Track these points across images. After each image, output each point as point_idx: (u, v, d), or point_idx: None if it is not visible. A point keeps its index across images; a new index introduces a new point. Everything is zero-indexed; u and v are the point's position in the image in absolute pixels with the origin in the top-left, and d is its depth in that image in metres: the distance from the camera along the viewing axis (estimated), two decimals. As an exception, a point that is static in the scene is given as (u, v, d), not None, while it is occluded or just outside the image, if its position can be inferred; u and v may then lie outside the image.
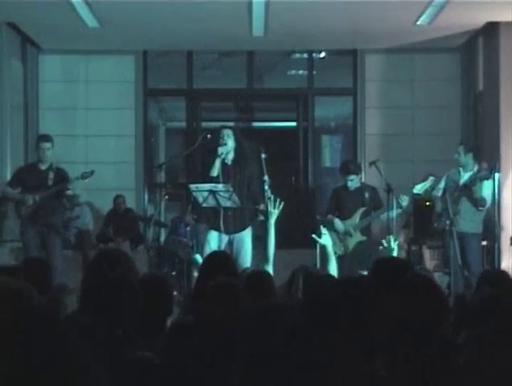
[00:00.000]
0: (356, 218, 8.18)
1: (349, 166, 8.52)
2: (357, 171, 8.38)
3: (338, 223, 8.20)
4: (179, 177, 12.87)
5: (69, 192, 8.22)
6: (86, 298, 3.18)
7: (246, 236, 7.65)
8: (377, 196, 8.22)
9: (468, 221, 8.06)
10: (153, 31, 10.39)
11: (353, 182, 8.30)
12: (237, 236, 7.60)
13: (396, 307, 2.81)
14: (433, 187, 8.16)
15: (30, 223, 8.08)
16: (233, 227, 7.57)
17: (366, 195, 8.24)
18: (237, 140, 7.70)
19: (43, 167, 8.20)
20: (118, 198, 10.90)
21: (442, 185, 8.26)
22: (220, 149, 7.57)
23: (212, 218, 7.66)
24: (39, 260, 5.31)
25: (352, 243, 8.15)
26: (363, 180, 8.92)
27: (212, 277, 4.22)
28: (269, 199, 6.97)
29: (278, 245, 8.62)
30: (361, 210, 8.18)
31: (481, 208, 8.06)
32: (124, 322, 3.00)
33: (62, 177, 8.24)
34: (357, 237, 8.16)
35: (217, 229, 7.56)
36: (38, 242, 8.10)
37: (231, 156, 7.64)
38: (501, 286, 4.10)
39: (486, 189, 8.01)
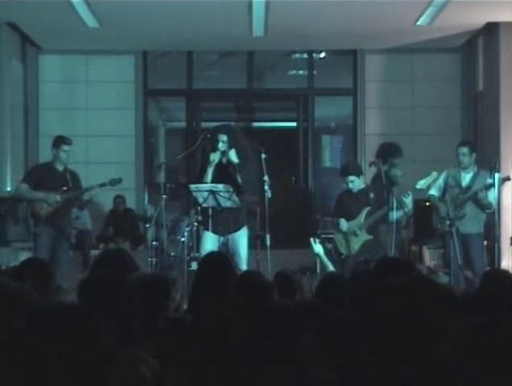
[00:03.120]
0: (361, 217, 8.15)
1: (348, 167, 8.46)
2: (357, 172, 8.28)
3: (343, 223, 8.17)
4: (179, 177, 12.87)
5: (87, 197, 8.22)
6: (81, 298, 3.19)
7: (242, 237, 7.62)
8: (382, 195, 8.17)
9: (472, 222, 8.04)
10: (153, 31, 10.39)
11: (354, 183, 8.20)
12: (231, 236, 7.58)
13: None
14: (435, 182, 8.14)
15: (48, 223, 8.02)
16: (227, 229, 7.53)
17: (371, 195, 8.20)
18: (233, 142, 7.61)
19: (60, 169, 8.18)
20: (117, 198, 10.90)
21: (441, 183, 8.23)
22: (212, 156, 7.52)
23: (206, 219, 7.66)
24: (40, 260, 5.30)
25: (358, 242, 8.12)
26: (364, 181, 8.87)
27: (210, 277, 4.23)
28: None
29: (278, 245, 8.65)
30: (366, 209, 8.15)
31: (488, 211, 8.08)
32: (120, 322, 3.00)
33: (76, 180, 8.25)
34: (363, 237, 8.14)
35: (210, 230, 7.57)
36: (50, 243, 8.05)
37: (226, 158, 7.60)
38: (504, 285, 4.10)
39: (492, 192, 8.00)
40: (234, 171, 7.55)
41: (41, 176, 8.17)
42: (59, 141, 8.27)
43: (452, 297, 3.12)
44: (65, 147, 8.19)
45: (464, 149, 8.14)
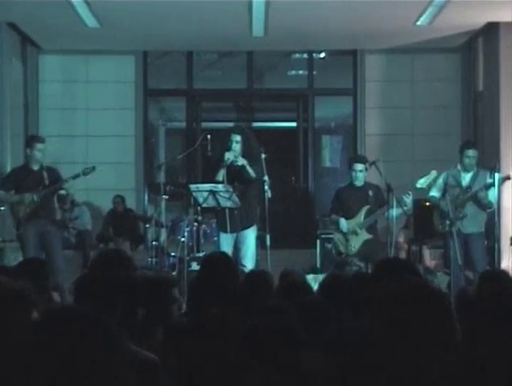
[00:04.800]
0: (361, 216, 8.17)
1: (357, 156, 8.60)
2: (364, 162, 8.34)
3: (343, 222, 8.19)
4: (179, 177, 12.87)
5: (63, 192, 8.17)
6: (79, 298, 3.19)
7: (250, 234, 7.70)
8: (381, 194, 8.20)
9: (473, 222, 8.05)
10: (153, 31, 10.39)
11: (362, 173, 8.22)
12: (240, 233, 7.66)
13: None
14: (435, 181, 8.15)
15: (29, 223, 8.03)
16: (239, 226, 7.64)
17: (370, 193, 8.22)
18: (245, 142, 7.79)
19: (36, 168, 8.16)
20: (116, 198, 10.90)
21: (441, 184, 8.23)
22: (227, 155, 7.66)
23: (220, 219, 7.74)
24: (37, 260, 5.32)
25: (358, 241, 8.14)
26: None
27: (211, 277, 4.23)
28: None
29: (279, 245, 8.66)
30: (366, 208, 8.17)
31: (488, 210, 8.08)
32: (119, 322, 3.00)
33: (55, 176, 8.20)
34: (364, 236, 8.15)
35: (226, 230, 7.65)
36: (36, 243, 8.05)
37: (239, 159, 7.72)
38: (502, 285, 4.10)
39: (492, 192, 8.00)
40: (246, 167, 7.68)
41: (17, 178, 8.17)
42: (33, 140, 8.30)
43: (440, 300, 3.11)
44: (39, 146, 8.17)
45: (474, 152, 8.13)
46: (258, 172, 7.70)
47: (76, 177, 8.08)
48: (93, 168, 8.20)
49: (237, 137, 7.76)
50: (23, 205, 7.99)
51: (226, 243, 7.65)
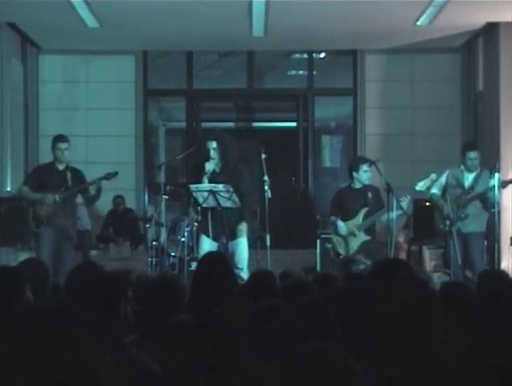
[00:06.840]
0: (359, 218, 8.17)
1: (362, 157, 8.56)
2: (367, 162, 8.33)
3: (341, 224, 8.18)
4: (179, 177, 12.87)
5: (91, 192, 8.19)
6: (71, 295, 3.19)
7: (241, 242, 7.66)
8: (380, 196, 8.21)
9: (475, 221, 8.06)
10: (153, 31, 10.39)
11: (368, 173, 8.22)
12: (230, 243, 7.65)
13: (391, 307, 2.82)
14: (435, 182, 8.16)
15: (49, 223, 8.03)
16: (223, 233, 7.61)
17: (369, 195, 8.22)
18: (222, 147, 7.64)
19: (61, 167, 8.18)
20: (117, 198, 10.90)
21: (442, 182, 8.24)
22: (208, 166, 7.58)
23: (203, 222, 7.72)
24: (36, 261, 5.33)
25: (356, 243, 8.14)
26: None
27: (208, 277, 4.24)
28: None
29: (279, 245, 8.65)
30: (364, 210, 8.18)
31: (493, 210, 8.09)
32: (122, 323, 3.00)
33: (79, 177, 8.23)
34: (362, 237, 8.16)
35: (207, 235, 7.64)
36: (53, 244, 8.06)
37: (219, 165, 7.65)
38: (502, 285, 4.10)
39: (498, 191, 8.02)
40: (238, 181, 7.56)
41: (41, 177, 8.18)
42: (54, 139, 8.31)
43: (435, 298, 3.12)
44: (59, 145, 8.17)
45: (476, 154, 8.13)
46: (233, 182, 7.51)
47: (100, 180, 8.12)
48: (116, 173, 8.25)
49: (213, 144, 7.59)
50: (45, 204, 8.00)
51: (206, 245, 7.61)
